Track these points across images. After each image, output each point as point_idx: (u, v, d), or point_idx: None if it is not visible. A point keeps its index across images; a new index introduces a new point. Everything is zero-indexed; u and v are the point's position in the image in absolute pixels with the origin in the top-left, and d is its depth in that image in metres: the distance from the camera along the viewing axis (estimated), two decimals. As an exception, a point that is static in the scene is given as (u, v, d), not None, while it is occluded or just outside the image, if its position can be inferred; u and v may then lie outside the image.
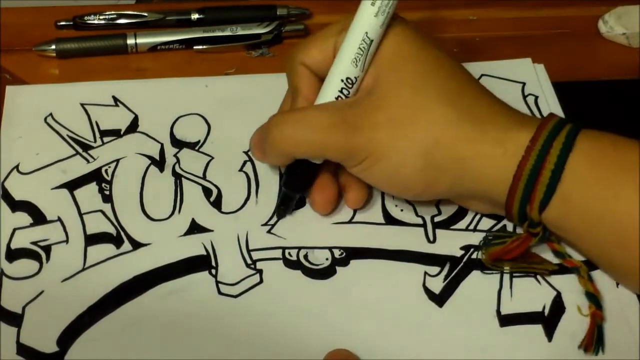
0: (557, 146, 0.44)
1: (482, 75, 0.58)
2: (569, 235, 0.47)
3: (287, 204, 0.50)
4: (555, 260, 0.49)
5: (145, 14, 0.62)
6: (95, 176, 0.52)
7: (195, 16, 0.63)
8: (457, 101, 0.46)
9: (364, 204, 0.51)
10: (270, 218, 0.51)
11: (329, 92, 0.48)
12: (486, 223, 0.51)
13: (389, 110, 0.46)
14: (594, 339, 0.45)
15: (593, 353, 0.45)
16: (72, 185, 0.51)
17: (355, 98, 0.48)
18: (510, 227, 0.50)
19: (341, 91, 0.47)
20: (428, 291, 0.48)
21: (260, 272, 0.48)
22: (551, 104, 0.57)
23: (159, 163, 0.53)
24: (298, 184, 0.50)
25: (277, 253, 0.49)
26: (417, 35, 0.48)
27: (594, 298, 0.47)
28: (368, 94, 0.47)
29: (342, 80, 0.47)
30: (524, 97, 0.58)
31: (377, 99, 0.46)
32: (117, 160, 0.53)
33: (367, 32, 0.47)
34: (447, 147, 0.45)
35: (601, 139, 0.45)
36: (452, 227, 0.51)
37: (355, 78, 0.47)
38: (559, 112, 0.57)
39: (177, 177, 0.52)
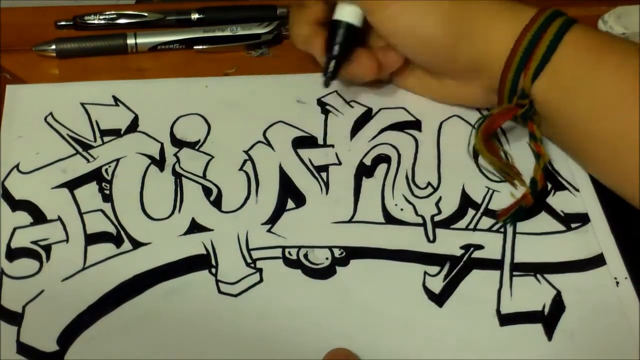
0: (556, 24, 0.50)
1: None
2: (552, 109, 0.50)
3: (335, 68, 0.53)
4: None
5: (145, 14, 0.62)
6: (95, 175, 0.52)
7: (195, 16, 0.63)
8: None
9: (400, 65, 0.55)
10: (271, 217, 0.51)
11: None
12: (486, 222, 0.51)
13: None
14: (510, 212, 0.50)
15: (502, 222, 0.50)
16: (72, 185, 0.51)
17: None
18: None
19: None
20: (428, 291, 0.48)
21: (260, 271, 0.48)
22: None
23: (159, 162, 0.53)
24: (343, 44, 0.53)
25: (277, 252, 0.49)
26: None
27: (534, 185, 0.51)
28: None
29: None
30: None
31: None
32: (117, 160, 0.53)
33: None
34: (465, 13, 0.51)
35: (589, 30, 0.51)
36: (452, 227, 0.51)
37: None
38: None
39: (177, 176, 0.52)
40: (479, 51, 0.51)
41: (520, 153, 0.54)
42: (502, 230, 0.51)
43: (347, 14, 0.53)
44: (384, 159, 0.54)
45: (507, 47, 0.50)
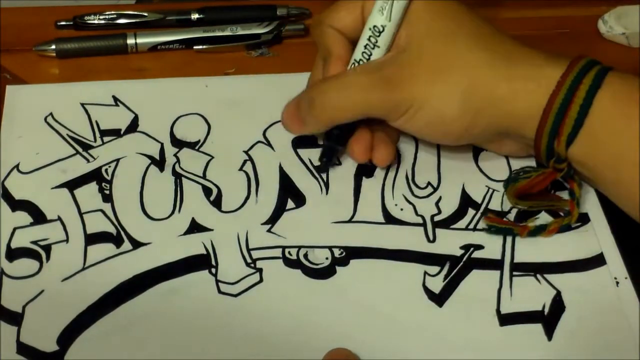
0: (587, 82, 0.46)
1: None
2: (591, 172, 0.48)
3: (330, 157, 0.52)
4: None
5: (145, 14, 0.62)
6: (95, 176, 0.52)
7: (195, 16, 0.63)
8: (488, 45, 0.49)
9: (390, 162, 0.52)
10: (271, 217, 0.51)
11: (360, 43, 0.50)
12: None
13: (425, 61, 0.48)
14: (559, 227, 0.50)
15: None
16: (72, 185, 0.51)
17: (390, 56, 0.49)
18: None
19: (369, 39, 0.50)
20: (428, 291, 0.48)
21: (260, 271, 0.48)
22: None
23: (159, 163, 0.53)
24: (340, 137, 0.51)
25: (277, 252, 0.49)
26: None
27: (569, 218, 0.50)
28: (402, 51, 0.49)
29: (370, 29, 0.49)
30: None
31: (412, 53, 0.49)
32: (117, 160, 0.53)
33: None
34: (484, 87, 0.48)
35: (628, 79, 0.47)
36: (452, 227, 0.51)
37: (382, 27, 0.49)
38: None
39: (177, 176, 0.52)
40: (503, 120, 0.48)
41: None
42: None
43: None
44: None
45: (536, 112, 0.47)
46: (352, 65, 0.50)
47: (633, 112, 0.46)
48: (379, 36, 0.49)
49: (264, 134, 0.55)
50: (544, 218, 0.51)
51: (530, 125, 0.48)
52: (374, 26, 0.49)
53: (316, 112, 0.50)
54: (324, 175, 0.53)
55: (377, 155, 0.52)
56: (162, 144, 0.54)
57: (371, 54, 0.50)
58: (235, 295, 0.47)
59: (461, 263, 0.49)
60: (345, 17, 0.51)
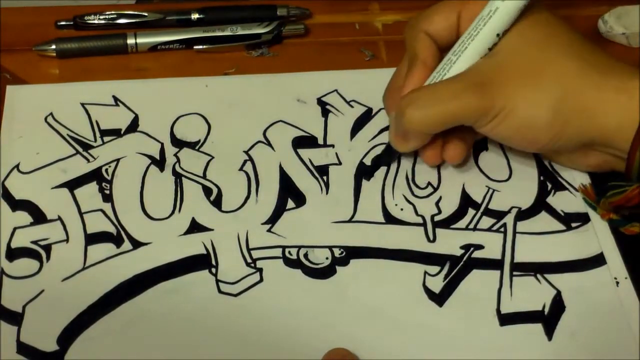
0: None
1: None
2: None
3: (390, 154, 0.52)
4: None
5: (145, 14, 0.62)
6: (95, 175, 0.52)
7: (195, 16, 0.63)
8: (579, 54, 0.48)
9: (462, 159, 0.52)
10: (271, 216, 0.51)
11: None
12: (486, 222, 0.51)
13: (518, 67, 0.48)
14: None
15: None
16: (72, 185, 0.51)
17: (479, 63, 0.49)
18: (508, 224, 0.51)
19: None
20: (428, 290, 0.48)
21: (260, 270, 0.48)
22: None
23: (159, 162, 0.53)
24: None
25: (277, 252, 0.49)
26: (538, 6, 0.50)
27: None
28: (492, 57, 0.49)
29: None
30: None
31: (505, 58, 0.48)
32: (118, 160, 0.53)
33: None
34: (575, 96, 0.47)
35: None
36: (452, 227, 0.51)
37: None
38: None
39: (177, 176, 0.52)
40: (591, 131, 0.48)
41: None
42: (502, 230, 0.51)
43: None
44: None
45: (628, 124, 0.46)
46: (447, 60, 0.50)
47: None
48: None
49: (264, 134, 0.55)
50: (543, 218, 0.51)
51: (619, 138, 0.47)
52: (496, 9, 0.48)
53: (409, 126, 0.49)
54: (324, 175, 0.53)
55: (449, 153, 0.52)
56: (162, 144, 0.54)
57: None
58: (236, 295, 0.47)
59: (461, 263, 0.49)
60: (441, 23, 0.51)
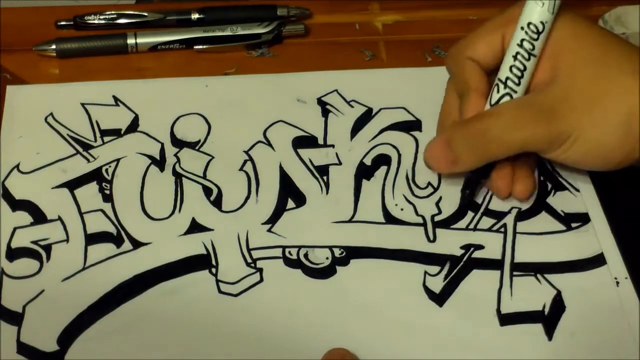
0: None
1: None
2: None
3: (473, 189, 0.51)
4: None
5: (145, 14, 0.62)
6: (95, 175, 0.52)
7: (195, 16, 0.63)
8: (638, 68, 0.47)
9: (530, 195, 0.51)
10: (271, 216, 0.51)
11: (507, 58, 0.48)
12: (486, 222, 0.51)
13: (580, 89, 0.47)
14: None
15: None
16: (72, 185, 0.51)
17: (539, 90, 0.48)
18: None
19: (522, 45, 0.48)
20: (428, 290, 0.48)
21: (260, 270, 0.48)
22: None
23: (160, 162, 0.53)
24: (483, 168, 0.50)
25: (277, 252, 0.49)
26: (579, 17, 0.49)
27: None
28: (551, 83, 0.48)
29: (524, 29, 0.47)
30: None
31: (565, 83, 0.47)
32: (118, 160, 0.53)
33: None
34: None
35: None
36: (452, 227, 0.51)
37: (543, 24, 0.47)
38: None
39: (178, 176, 0.52)
40: None
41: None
42: (502, 230, 0.51)
43: None
44: (384, 159, 0.54)
45: None
46: (496, 87, 0.49)
47: None
48: (536, 39, 0.47)
49: (264, 134, 0.55)
50: (543, 218, 0.51)
51: None
52: (530, 24, 0.47)
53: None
54: (324, 176, 0.53)
55: (518, 188, 0.51)
56: (162, 144, 0.54)
57: (525, 68, 0.48)
58: (236, 295, 0.47)
59: (461, 263, 0.49)
60: (485, 49, 0.50)
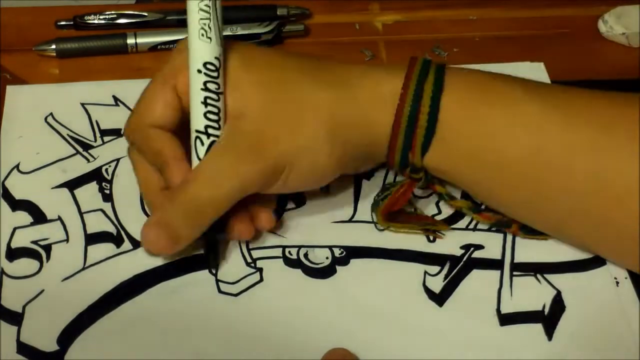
0: (429, 89, 0.45)
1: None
2: (449, 176, 0.48)
3: (216, 251, 0.48)
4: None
5: (145, 14, 0.62)
6: (95, 175, 0.52)
7: (195, 16, 0.63)
8: (322, 78, 0.46)
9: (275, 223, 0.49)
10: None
11: (194, 106, 0.45)
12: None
13: (273, 114, 0.45)
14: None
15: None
16: (72, 185, 0.51)
17: (235, 128, 0.45)
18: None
19: (206, 87, 0.44)
20: (428, 290, 0.48)
21: (260, 270, 0.48)
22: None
23: (159, 162, 0.53)
24: (218, 223, 0.46)
25: (277, 252, 0.49)
26: (240, 43, 0.47)
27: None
28: (242, 117, 0.45)
29: (201, 70, 0.44)
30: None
31: (256, 114, 0.45)
32: (118, 160, 0.53)
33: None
34: (339, 118, 0.45)
35: (469, 77, 0.47)
36: (452, 227, 0.51)
37: (217, 58, 0.44)
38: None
39: (177, 176, 0.52)
40: (364, 142, 0.47)
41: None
42: (502, 230, 0.51)
43: None
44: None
45: (386, 116, 0.46)
46: (199, 141, 0.45)
47: (479, 112, 0.46)
48: (217, 77, 0.44)
49: (264, 134, 0.55)
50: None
51: (384, 143, 0.47)
52: (206, 63, 0.44)
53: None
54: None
55: (263, 219, 0.48)
56: (162, 144, 0.54)
57: (219, 109, 0.45)
58: (236, 295, 0.47)
59: (461, 263, 0.49)
60: (162, 109, 0.46)
